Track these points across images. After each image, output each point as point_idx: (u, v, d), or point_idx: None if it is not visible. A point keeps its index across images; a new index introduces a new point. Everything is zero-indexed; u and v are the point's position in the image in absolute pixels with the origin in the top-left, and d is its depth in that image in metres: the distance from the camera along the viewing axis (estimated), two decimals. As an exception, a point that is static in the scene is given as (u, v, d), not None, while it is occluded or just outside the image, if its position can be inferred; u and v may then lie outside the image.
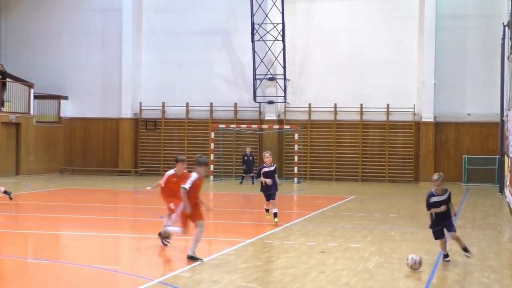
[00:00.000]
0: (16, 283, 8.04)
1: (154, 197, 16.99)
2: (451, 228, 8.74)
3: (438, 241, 8.83)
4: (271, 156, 13.26)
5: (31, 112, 27.99)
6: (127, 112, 29.25)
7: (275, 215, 12.48)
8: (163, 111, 28.90)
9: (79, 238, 12.40)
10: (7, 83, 27.14)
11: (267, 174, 12.68)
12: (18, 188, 22.41)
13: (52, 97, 29.65)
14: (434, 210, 8.71)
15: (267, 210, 12.98)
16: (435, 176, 8.90)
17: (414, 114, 26.41)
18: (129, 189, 23.76)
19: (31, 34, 31.22)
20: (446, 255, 8.57)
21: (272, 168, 12.91)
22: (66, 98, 29.93)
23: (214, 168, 25.79)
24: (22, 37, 31.42)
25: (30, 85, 28.16)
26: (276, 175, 12.91)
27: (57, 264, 9.59)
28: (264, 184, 12.62)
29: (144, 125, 29.31)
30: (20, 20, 31.42)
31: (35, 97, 28.47)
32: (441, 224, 8.68)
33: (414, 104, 26.30)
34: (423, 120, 26.29)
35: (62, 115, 29.95)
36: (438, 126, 26.45)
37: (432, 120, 26.22)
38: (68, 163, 29.94)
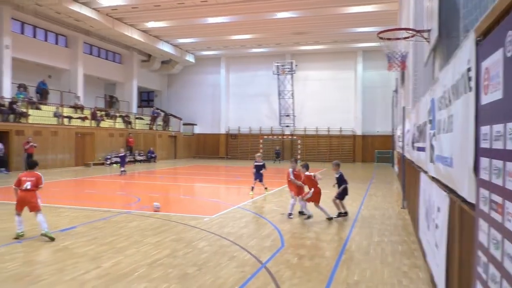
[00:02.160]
0: (177, 206, 13.82)
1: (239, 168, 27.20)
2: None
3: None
4: (260, 157, 14.18)
5: (181, 131, 37.92)
6: (222, 130, 38.65)
7: (266, 188, 13.89)
8: (239, 130, 38.21)
9: (207, 187, 17.94)
10: (171, 118, 37.32)
11: (258, 167, 13.68)
12: (178, 163, 32.50)
13: (190, 124, 39.00)
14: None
15: (252, 188, 13.63)
16: (334, 162, 9.95)
17: (352, 131, 35.09)
18: (224, 165, 31.04)
19: (180, 95, 40.15)
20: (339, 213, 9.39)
21: (261, 163, 13.73)
22: (195, 124, 39.32)
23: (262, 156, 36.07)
24: (177, 97, 40.35)
25: (180, 119, 38.42)
26: (263, 168, 13.66)
27: (197, 198, 14.92)
28: (255, 171, 13.68)
29: (230, 136, 38.44)
30: (175, 88, 40.56)
31: (183, 124, 38.47)
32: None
33: (352, 127, 35.05)
34: (356, 134, 34.98)
35: (194, 132, 39.40)
36: (364, 137, 34.85)
37: (360, 134, 34.83)
38: (196, 153, 39.29)
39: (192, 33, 31.28)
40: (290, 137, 36.49)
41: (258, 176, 13.59)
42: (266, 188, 13.95)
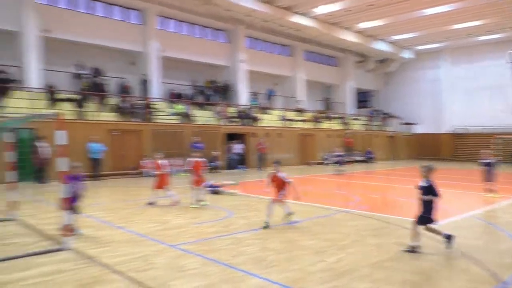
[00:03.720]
0: (396, 208, 15.61)
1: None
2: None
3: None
4: (487, 154, 12.79)
5: (399, 130, 36.11)
6: (445, 129, 36.00)
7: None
8: (465, 128, 34.81)
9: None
10: (388, 117, 36.68)
11: (486, 165, 12.47)
12: (396, 164, 31.37)
13: (409, 123, 37.28)
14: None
15: (489, 190, 12.46)
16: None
17: None
18: (448, 167, 28.73)
19: (398, 94, 39.19)
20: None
21: (488, 161, 12.57)
22: (415, 123, 37.36)
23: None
24: (394, 96, 39.48)
25: (398, 118, 37.30)
26: (491, 167, 12.38)
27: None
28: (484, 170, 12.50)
29: (454, 136, 35.56)
30: (392, 87, 39.82)
31: (401, 123, 37.03)
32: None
33: None
34: None
35: (413, 131, 37.46)
36: None
37: None
38: (416, 154, 36.44)
39: (409, 28, 29.92)
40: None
41: (487, 176, 12.25)
42: (494, 193, 12.29)
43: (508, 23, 28.54)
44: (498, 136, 32.17)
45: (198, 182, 11.09)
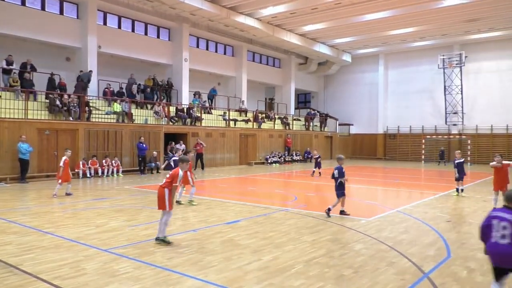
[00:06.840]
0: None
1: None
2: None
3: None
4: (460, 154, 13.75)
5: (337, 131, 37.99)
6: (380, 130, 37.55)
7: (462, 190, 13.24)
8: (398, 129, 36.57)
9: (364, 188, 19.41)
10: (328, 118, 37.61)
11: (459, 165, 13.12)
12: (334, 164, 34.57)
13: (346, 124, 38.84)
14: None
15: (458, 190, 13.23)
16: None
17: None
18: (382, 166, 30.94)
19: (336, 95, 40.27)
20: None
21: (462, 160, 13.48)
22: (352, 124, 39.02)
23: (424, 157, 33.66)
24: (333, 97, 40.55)
25: (336, 119, 38.35)
26: (464, 165, 13.35)
27: (353, 199, 16.72)
28: (457, 169, 13.08)
29: (388, 137, 37.38)
30: (332, 89, 40.82)
31: (339, 124, 38.38)
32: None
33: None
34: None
35: (350, 132, 39.26)
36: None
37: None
38: (352, 153, 38.73)
39: (349, 32, 31.10)
40: (457, 136, 33.38)
41: (461, 175, 13.09)
42: (462, 190, 13.26)
43: (439, 30, 30.39)
44: (426, 136, 34.74)
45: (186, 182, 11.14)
